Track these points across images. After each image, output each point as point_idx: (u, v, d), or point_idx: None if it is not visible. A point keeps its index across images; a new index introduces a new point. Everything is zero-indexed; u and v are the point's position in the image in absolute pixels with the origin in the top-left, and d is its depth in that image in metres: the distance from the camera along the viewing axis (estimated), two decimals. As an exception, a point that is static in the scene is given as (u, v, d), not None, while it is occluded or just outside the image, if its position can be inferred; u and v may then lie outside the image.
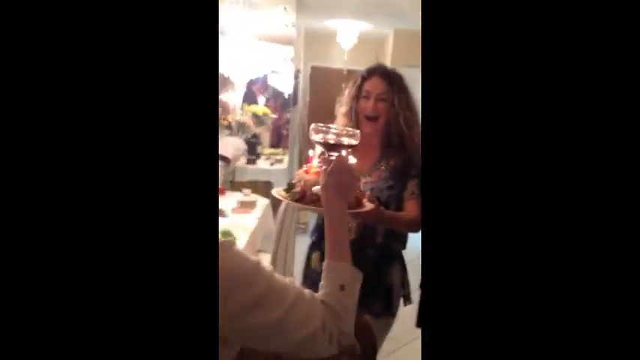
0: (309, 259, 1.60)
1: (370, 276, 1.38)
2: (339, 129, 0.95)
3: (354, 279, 0.79)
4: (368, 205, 1.19)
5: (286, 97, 4.60)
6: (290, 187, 1.20)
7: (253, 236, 2.29)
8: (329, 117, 1.55)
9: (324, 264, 0.79)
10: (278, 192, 1.21)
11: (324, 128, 0.93)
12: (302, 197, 1.14)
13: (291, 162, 3.98)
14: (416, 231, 1.42)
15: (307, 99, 5.99)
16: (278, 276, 0.71)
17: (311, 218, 2.93)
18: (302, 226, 4.06)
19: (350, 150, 0.95)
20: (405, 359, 2.42)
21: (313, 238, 1.61)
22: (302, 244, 1.53)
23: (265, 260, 2.23)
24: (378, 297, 1.47)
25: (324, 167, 0.86)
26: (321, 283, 0.77)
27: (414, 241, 1.48)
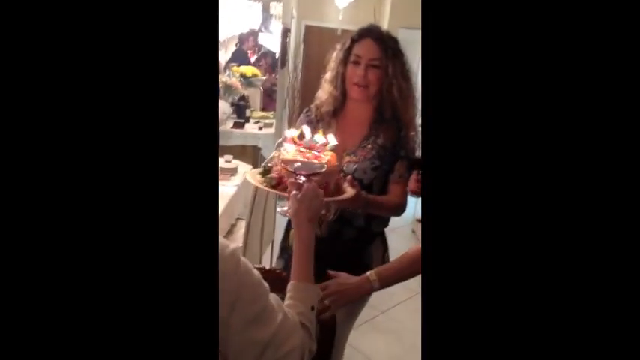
0: (287, 232, 1.48)
1: (349, 254, 1.34)
2: (307, 159, 1.02)
3: (319, 298, 0.86)
4: (348, 191, 1.13)
5: (276, 57, 4.40)
6: (266, 172, 1.15)
7: (230, 205, 2.21)
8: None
9: (290, 283, 0.82)
10: (253, 176, 1.16)
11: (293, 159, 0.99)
12: (278, 184, 1.10)
13: (278, 127, 3.75)
14: (398, 215, 1.35)
15: (300, 60, 5.76)
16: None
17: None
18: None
19: (323, 172, 0.99)
20: (382, 325, 2.52)
21: None
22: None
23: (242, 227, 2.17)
24: (358, 274, 1.36)
25: (294, 193, 0.91)
26: (290, 301, 0.79)
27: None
